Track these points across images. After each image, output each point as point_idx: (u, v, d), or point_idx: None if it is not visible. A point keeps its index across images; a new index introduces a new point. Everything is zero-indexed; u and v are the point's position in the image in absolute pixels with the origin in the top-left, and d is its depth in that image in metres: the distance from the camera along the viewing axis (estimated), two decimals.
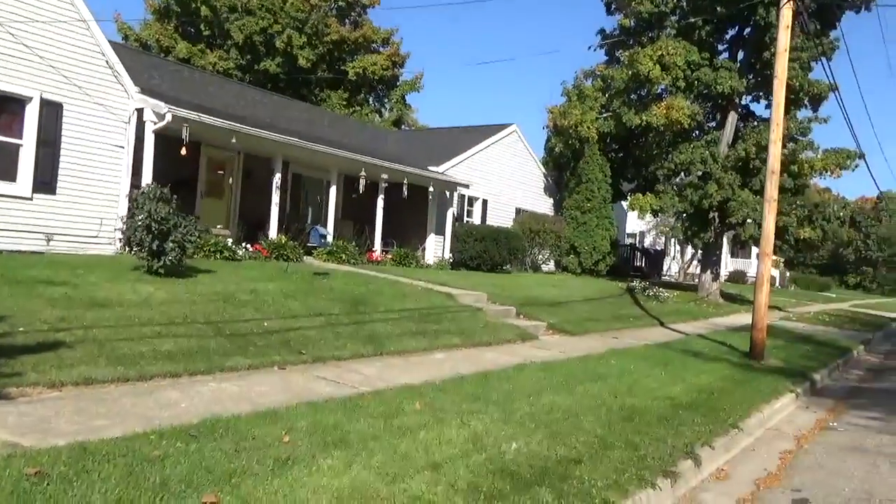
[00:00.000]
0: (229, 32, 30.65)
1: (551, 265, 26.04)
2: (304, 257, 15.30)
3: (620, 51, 25.09)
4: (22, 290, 7.66)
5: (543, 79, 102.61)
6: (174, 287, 9.06)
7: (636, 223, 40.08)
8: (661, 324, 16.31)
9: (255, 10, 30.69)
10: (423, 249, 20.32)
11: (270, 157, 15.91)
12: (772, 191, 12.00)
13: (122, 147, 12.58)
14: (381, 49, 35.85)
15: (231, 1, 31.22)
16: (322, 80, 33.73)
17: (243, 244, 13.94)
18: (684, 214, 23.74)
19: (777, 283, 49.51)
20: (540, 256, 24.45)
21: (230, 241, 13.74)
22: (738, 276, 49.07)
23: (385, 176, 17.31)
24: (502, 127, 24.26)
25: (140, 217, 9.31)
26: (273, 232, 14.77)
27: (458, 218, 21.56)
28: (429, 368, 8.06)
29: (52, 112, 11.55)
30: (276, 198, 15.03)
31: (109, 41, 12.60)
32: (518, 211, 24.46)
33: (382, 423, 5.43)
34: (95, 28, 12.06)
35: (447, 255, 20.00)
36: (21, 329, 6.50)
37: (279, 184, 15.07)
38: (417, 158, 21.62)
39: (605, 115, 25.14)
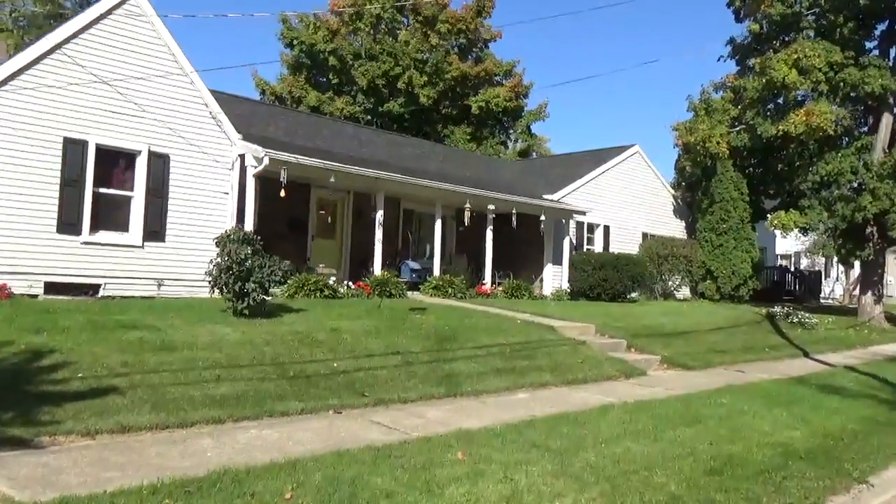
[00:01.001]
0: (354, 78, 31.68)
1: (686, 292, 24.30)
2: (410, 293, 15.08)
3: (751, 59, 23.26)
4: (101, 334, 7.86)
5: (674, 95, 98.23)
6: (253, 328, 9.02)
7: (789, 244, 36.82)
8: (805, 354, 14.47)
9: (378, 55, 31.60)
10: (541, 280, 19.57)
11: (376, 195, 16.01)
12: None
13: (227, 193, 13.02)
14: (503, 81, 35.66)
15: (355, 48, 32.39)
16: (445, 116, 34.00)
17: (346, 282, 13.92)
18: (836, 231, 21.34)
19: None
20: (671, 283, 22.86)
21: (333, 279, 13.76)
22: None
23: (492, 207, 16.84)
24: (623, 149, 23.11)
25: (222, 259, 9.40)
26: (377, 268, 14.69)
27: (576, 246, 20.62)
28: (501, 411, 7.39)
29: (159, 163, 12.16)
30: (378, 234, 14.96)
31: (212, 91, 13.16)
32: (644, 236, 23.07)
33: (409, 476, 4.87)
34: (197, 80, 12.65)
35: (565, 285, 19.09)
36: (80, 375, 6.57)
37: (381, 220, 15.00)
38: (534, 187, 21.03)
39: (737, 128, 23.30)
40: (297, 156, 13.03)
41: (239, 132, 13.23)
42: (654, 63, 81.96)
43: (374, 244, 15.02)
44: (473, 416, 7.07)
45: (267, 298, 9.83)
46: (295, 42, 33.27)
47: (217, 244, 9.57)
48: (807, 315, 17.70)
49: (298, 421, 6.46)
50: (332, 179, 13.47)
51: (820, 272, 32.38)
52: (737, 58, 25.00)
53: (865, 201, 19.80)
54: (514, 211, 17.10)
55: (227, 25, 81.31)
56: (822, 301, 31.49)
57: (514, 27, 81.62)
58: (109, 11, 11.63)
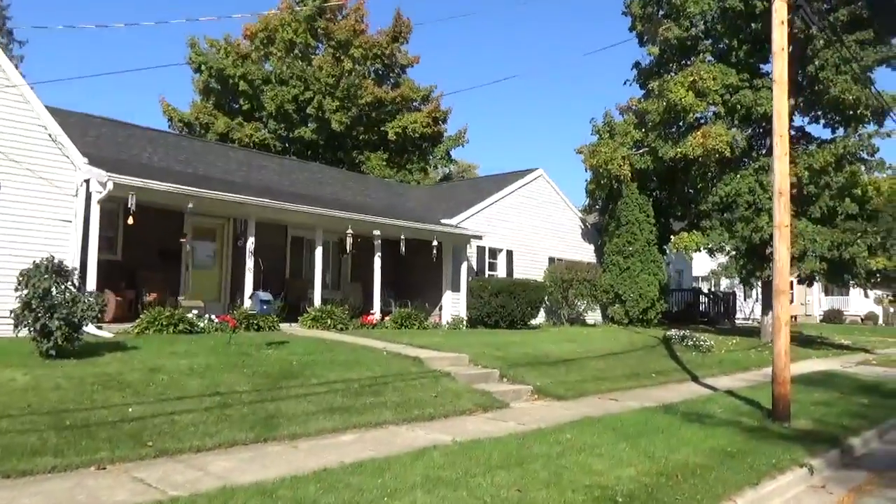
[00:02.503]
0: (264, 104, 30.82)
1: (598, 316, 24.02)
2: (286, 325, 14.21)
3: (653, 82, 23.33)
4: None
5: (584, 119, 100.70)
6: (51, 371, 8.02)
7: (706, 265, 37.13)
8: (694, 378, 14.09)
9: (288, 80, 30.87)
10: (440, 308, 18.90)
11: (268, 224, 15.23)
12: (781, 216, 9.98)
13: (69, 221, 11.98)
14: (421, 107, 35.31)
15: (265, 73, 31.59)
16: (361, 142, 33.40)
17: (208, 315, 12.96)
18: (738, 252, 21.34)
19: (881, 321, 44.78)
20: (579, 308, 22.50)
21: (194, 312, 12.78)
22: (833, 315, 44.73)
23: (377, 232, 16.14)
24: (526, 173, 22.80)
25: (23, 293, 8.39)
26: (246, 300, 13.76)
27: (478, 272, 20.07)
28: (308, 457, 6.56)
29: None
30: (249, 263, 14.10)
31: (52, 109, 12.14)
32: (552, 260, 22.70)
33: None
34: (33, 98, 11.67)
35: (464, 313, 18.48)
36: None
37: (251, 248, 14.15)
38: (433, 212, 20.47)
39: (640, 150, 23.27)
40: (145, 180, 12.09)
41: (95, 156, 12.23)
42: (579, 90, 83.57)
43: (244, 274, 14.10)
44: (270, 466, 6.23)
45: (80, 336, 8.84)
46: (203, 67, 32.29)
47: (20, 276, 8.54)
48: (702, 338, 17.44)
49: (39, 482, 5.50)
50: (190, 205, 12.58)
51: (735, 293, 32.59)
52: (640, 81, 25.12)
53: (763, 222, 19.88)
54: (402, 237, 16.44)
55: (135, 50, 79.66)
56: (737, 323, 31.68)
57: (434, 49, 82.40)
58: None
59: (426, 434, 7.88)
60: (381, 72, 36.03)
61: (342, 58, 32.23)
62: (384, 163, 33.22)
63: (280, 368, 9.60)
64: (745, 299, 38.34)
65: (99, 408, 7.17)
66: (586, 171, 24.61)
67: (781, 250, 9.92)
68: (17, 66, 39.80)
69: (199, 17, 35.74)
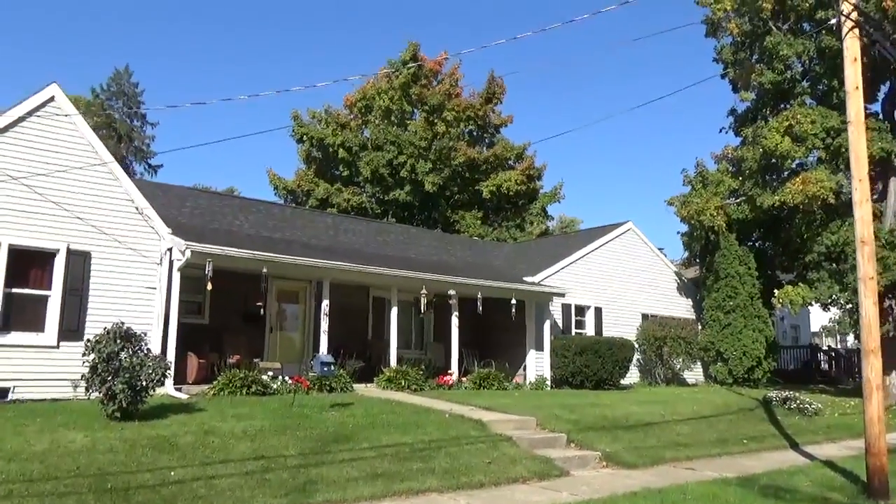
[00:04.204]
0: (359, 169, 31.97)
1: (698, 375, 22.73)
2: (360, 385, 14.27)
3: (746, 128, 22.36)
4: None
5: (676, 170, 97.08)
6: (111, 433, 8.36)
7: (826, 320, 34.40)
8: (793, 445, 12.89)
9: (382, 145, 31.93)
10: (524, 368, 18.45)
11: (349, 286, 15.68)
12: (865, 268, 9.11)
13: (153, 288, 12.68)
14: (515, 165, 35.46)
15: (361, 140, 32.85)
16: (455, 202, 33.84)
17: (282, 377, 13.23)
18: (849, 305, 19.65)
19: None
20: (677, 366, 21.37)
21: (269, 374, 13.10)
22: None
23: (452, 291, 16.07)
24: (614, 227, 22.20)
25: (90, 357, 8.88)
26: (320, 362, 13.93)
27: (564, 330, 19.53)
28: None
29: (78, 261, 11.94)
30: (323, 324, 14.36)
31: (152, 183, 13.04)
32: (645, 317, 21.80)
33: None
34: (121, 174, 12.59)
35: (547, 372, 17.95)
36: None
37: (326, 310, 14.41)
38: (518, 269, 20.26)
39: (738, 199, 22.18)
40: (222, 247, 12.67)
41: (186, 225, 13.03)
42: (676, 141, 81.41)
43: (320, 335, 14.37)
44: None
45: (144, 398, 9.21)
46: (305, 137, 34.03)
47: (88, 342, 9.06)
48: (808, 400, 15.98)
49: None
50: (264, 270, 13.02)
51: (859, 350, 29.85)
52: (736, 128, 24.20)
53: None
54: (479, 295, 16.28)
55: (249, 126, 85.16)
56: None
57: (528, 108, 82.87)
58: (30, 114, 11.72)
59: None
60: (474, 133, 36.61)
61: (435, 121, 33.06)
62: (479, 221, 33.38)
63: (334, 431, 9.57)
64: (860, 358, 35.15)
65: (143, 471, 7.37)
66: (682, 222, 23.73)
67: (867, 306, 9.01)
68: (149, 146, 43.53)
69: (315, 84, 37.72)
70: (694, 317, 23.49)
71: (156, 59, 78.65)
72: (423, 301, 15.43)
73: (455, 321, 16.57)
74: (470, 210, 33.85)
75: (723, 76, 24.05)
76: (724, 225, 21.46)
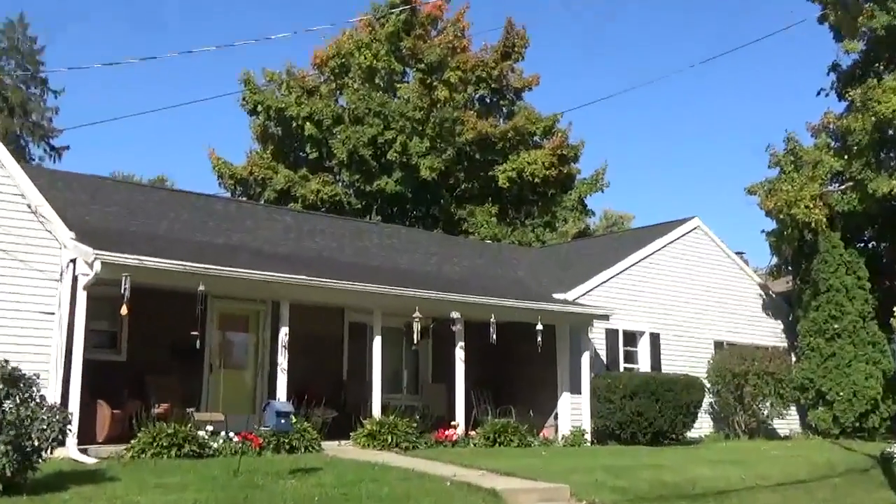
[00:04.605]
0: (332, 150, 31.99)
1: (793, 423, 22.71)
2: (331, 442, 14.25)
3: (853, 89, 22.31)
4: None
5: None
6: None
7: None
8: None
9: (363, 117, 31.88)
10: (555, 416, 18.41)
11: (317, 308, 15.76)
12: None
13: (52, 313, 12.68)
14: (542, 142, 35.49)
15: (335, 111, 32.85)
16: (461, 192, 33.93)
17: (225, 433, 13.18)
18: None
19: None
20: (763, 411, 21.28)
21: (208, 429, 13.06)
22: None
23: (455, 315, 15.99)
24: (676, 224, 22.18)
25: None
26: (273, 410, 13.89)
27: (609, 364, 19.46)
28: None
29: None
30: (282, 360, 14.31)
31: (60, 172, 13.04)
32: (719, 345, 21.76)
33: None
34: (7, 159, 12.65)
35: (587, 422, 17.88)
36: None
37: (284, 341, 14.37)
38: (548, 283, 20.28)
39: (842, 186, 22.17)
40: (141, 258, 12.61)
41: (97, 229, 13.05)
42: (758, 111, 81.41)
43: (277, 375, 14.37)
44: None
45: (36, 465, 9.15)
46: (260, 107, 34.07)
47: None
48: None
49: None
50: (200, 287, 12.97)
51: None
52: (839, 89, 24.24)
53: None
54: (492, 319, 16.23)
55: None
56: None
57: (559, 67, 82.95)
58: None
59: None
60: (487, 99, 36.73)
61: (435, 84, 33.11)
62: (493, 219, 33.37)
63: None
64: None
65: None
66: (768, 216, 23.63)
67: None
68: (51, 121, 43.71)
69: (271, 36, 37.47)
70: (785, 345, 23.38)
71: (61, 5, 79.10)
72: (418, 327, 15.33)
73: (460, 354, 16.48)
74: (482, 204, 33.93)
75: (821, 20, 24.09)
76: (825, 220, 21.38)
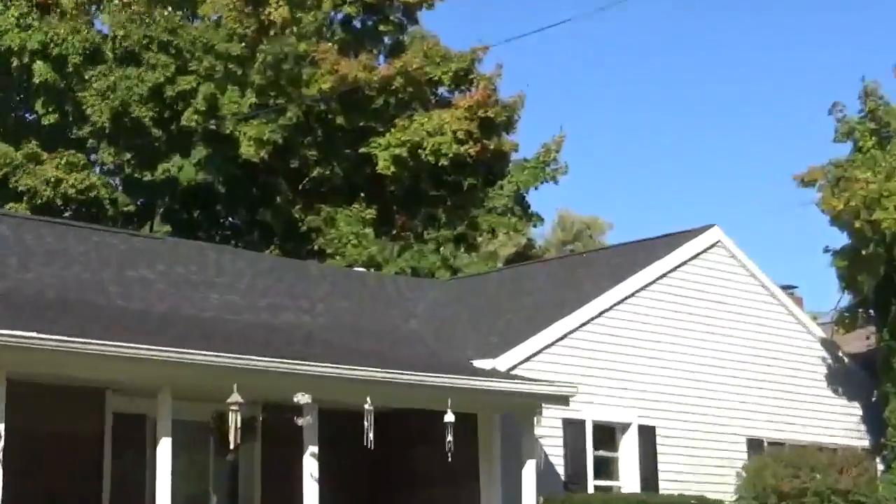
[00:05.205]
0: (82, 111, 31.85)
1: None
2: None
3: None
4: None
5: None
6: None
7: None
8: None
9: (140, 55, 32.02)
10: None
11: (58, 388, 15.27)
12: None
13: None
14: (452, 98, 35.79)
15: (89, 41, 32.83)
16: (309, 185, 33.87)
17: None
18: None
19: None
20: None
21: None
22: None
23: (305, 399, 15.61)
24: (685, 238, 22.32)
25: None
26: None
27: (569, 480, 19.36)
28: None
29: None
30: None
31: None
32: (754, 445, 21.99)
33: None
34: None
35: None
36: None
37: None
38: (462, 342, 20.33)
39: None
40: None
41: None
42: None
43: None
44: None
45: None
46: None
47: None
48: None
49: None
50: None
51: None
52: None
53: None
54: (366, 405, 15.85)
55: None
56: None
57: None
58: None
59: None
60: (357, 22, 36.85)
61: None
62: (369, 229, 33.43)
63: None
64: None
65: None
66: (834, 224, 23.92)
67: None
68: None
69: None
70: (866, 443, 23.83)
71: None
72: (236, 420, 14.89)
73: (312, 466, 16.15)
74: (348, 203, 34.04)
75: None
76: None
